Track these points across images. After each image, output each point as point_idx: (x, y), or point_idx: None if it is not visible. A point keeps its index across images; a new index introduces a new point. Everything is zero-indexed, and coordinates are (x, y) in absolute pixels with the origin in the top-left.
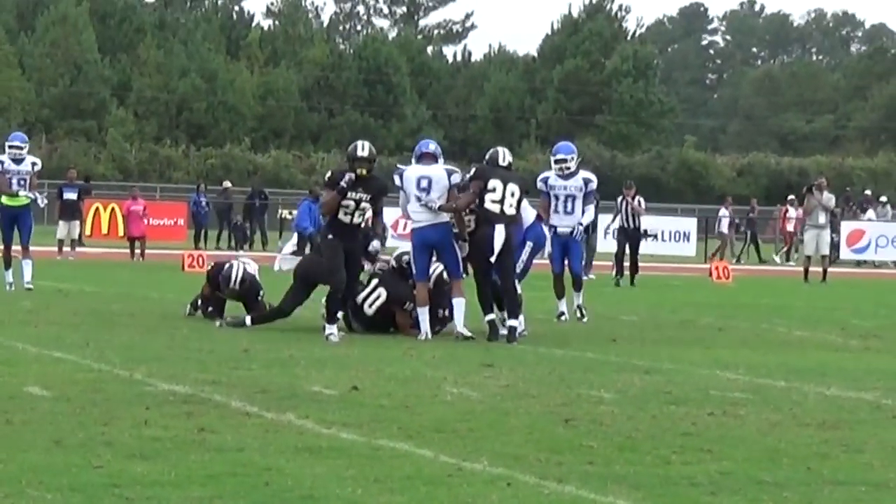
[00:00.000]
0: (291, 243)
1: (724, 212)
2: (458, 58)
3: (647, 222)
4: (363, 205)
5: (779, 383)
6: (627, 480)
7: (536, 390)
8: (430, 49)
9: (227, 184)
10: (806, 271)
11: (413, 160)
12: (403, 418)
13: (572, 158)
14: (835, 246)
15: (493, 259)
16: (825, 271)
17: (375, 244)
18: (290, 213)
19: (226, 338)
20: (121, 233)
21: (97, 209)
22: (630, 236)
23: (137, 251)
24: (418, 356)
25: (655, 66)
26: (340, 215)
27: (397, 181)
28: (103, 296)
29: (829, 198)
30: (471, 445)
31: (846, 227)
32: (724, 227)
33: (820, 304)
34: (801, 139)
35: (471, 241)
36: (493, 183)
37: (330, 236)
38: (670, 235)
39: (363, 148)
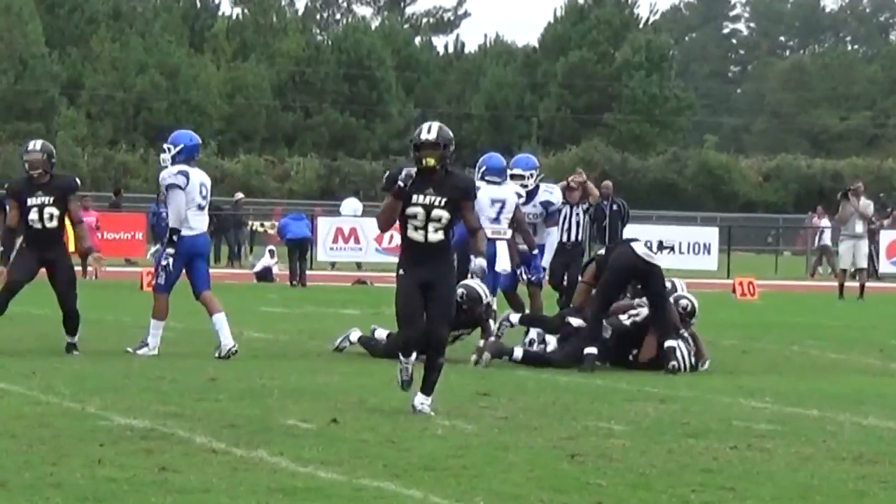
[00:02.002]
0: (265, 259)
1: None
2: (450, 49)
3: (663, 233)
4: (437, 212)
5: (811, 412)
6: None
7: (538, 422)
8: (418, 40)
9: (240, 195)
10: (841, 286)
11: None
12: (389, 455)
13: (531, 175)
14: (873, 258)
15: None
16: (863, 286)
17: (479, 262)
18: (262, 225)
19: (189, 366)
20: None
21: None
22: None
23: (90, 269)
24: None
25: (671, 58)
26: (410, 232)
27: None
28: (52, 319)
29: (866, 204)
30: (465, 484)
31: (886, 236)
32: (827, 240)
33: (857, 324)
34: (835, 139)
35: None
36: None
37: (401, 271)
38: (689, 247)
39: (429, 129)
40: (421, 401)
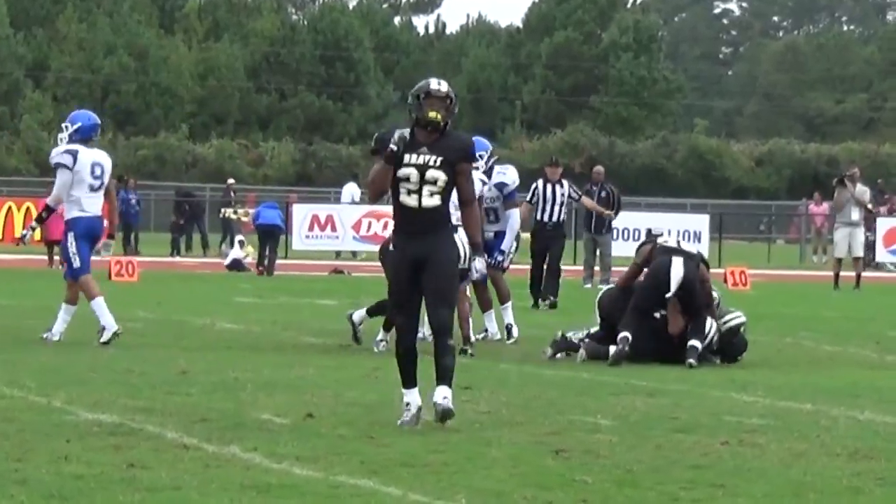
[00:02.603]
0: (234, 251)
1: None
2: (431, 30)
3: (652, 220)
4: (432, 173)
5: (804, 406)
6: None
7: (522, 417)
8: (397, 20)
9: (231, 181)
10: (836, 276)
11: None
12: (367, 450)
13: (480, 157)
14: (870, 247)
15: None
16: (859, 276)
17: (478, 265)
18: (235, 213)
19: (159, 358)
20: (37, 236)
21: (10, 209)
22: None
23: (57, 257)
24: (384, 378)
25: (660, 39)
26: (402, 197)
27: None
28: (17, 310)
29: (862, 190)
30: (445, 481)
31: (883, 224)
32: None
33: (852, 315)
34: (830, 122)
35: None
36: None
37: (391, 247)
38: (679, 235)
39: (439, 81)
40: (443, 394)
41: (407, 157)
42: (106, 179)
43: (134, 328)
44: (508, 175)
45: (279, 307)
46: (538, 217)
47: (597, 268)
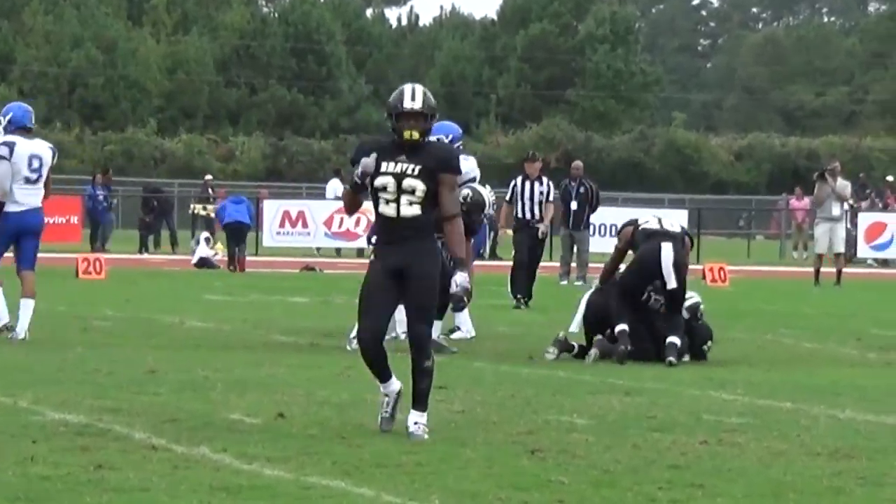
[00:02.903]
0: (200, 248)
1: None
2: (403, 22)
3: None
4: (410, 182)
5: (784, 405)
6: None
7: (497, 416)
8: (369, 12)
9: (209, 177)
10: (817, 272)
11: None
12: (339, 451)
13: (451, 141)
14: (851, 242)
15: None
16: (839, 272)
17: (460, 279)
18: (205, 209)
19: (127, 357)
20: None
21: None
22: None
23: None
24: (356, 377)
25: (637, 31)
26: (381, 207)
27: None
28: None
29: (843, 185)
30: (419, 482)
31: (864, 219)
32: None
33: (833, 311)
34: (811, 116)
35: None
36: None
37: (372, 257)
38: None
39: (413, 96)
40: (414, 420)
41: (384, 166)
42: (44, 172)
43: (102, 327)
44: (467, 164)
45: (249, 305)
46: (519, 215)
47: (573, 264)
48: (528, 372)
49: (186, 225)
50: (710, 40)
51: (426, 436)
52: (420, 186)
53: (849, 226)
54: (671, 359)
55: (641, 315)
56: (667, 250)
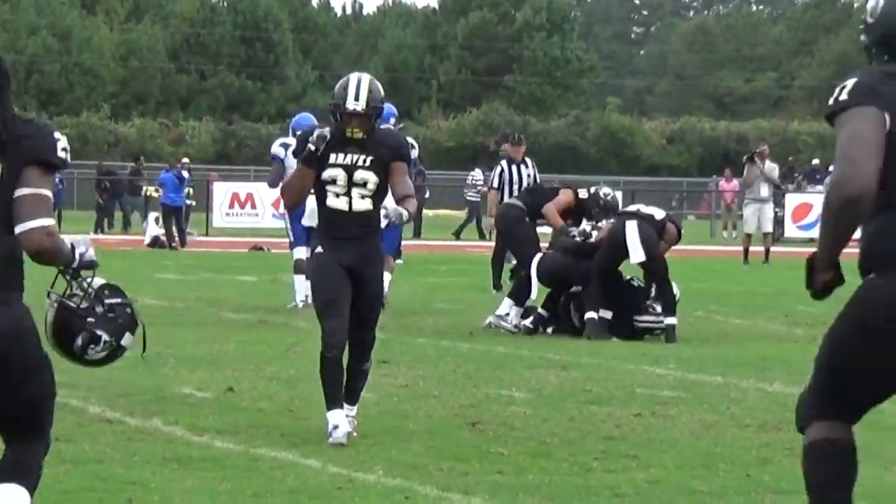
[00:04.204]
0: (151, 228)
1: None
2: (348, 11)
3: None
4: (361, 174)
5: (714, 379)
6: (542, 491)
7: (438, 390)
8: (315, 1)
9: (186, 160)
10: (746, 251)
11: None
12: (287, 424)
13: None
14: (779, 222)
15: None
16: (767, 251)
17: (397, 209)
18: (158, 191)
19: None
20: None
21: None
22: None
23: None
24: (303, 353)
25: (573, 19)
26: (330, 200)
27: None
28: None
29: (771, 167)
30: (364, 454)
31: (791, 200)
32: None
33: (761, 289)
34: (740, 101)
35: None
36: None
37: (318, 248)
38: None
39: (357, 95)
40: (344, 412)
41: (332, 157)
42: None
43: None
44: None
45: (200, 283)
46: (507, 200)
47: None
48: (468, 347)
49: (138, 205)
50: (642, 28)
51: (354, 432)
52: (372, 179)
53: (776, 207)
54: (674, 342)
55: (622, 294)
56: (631, 226)
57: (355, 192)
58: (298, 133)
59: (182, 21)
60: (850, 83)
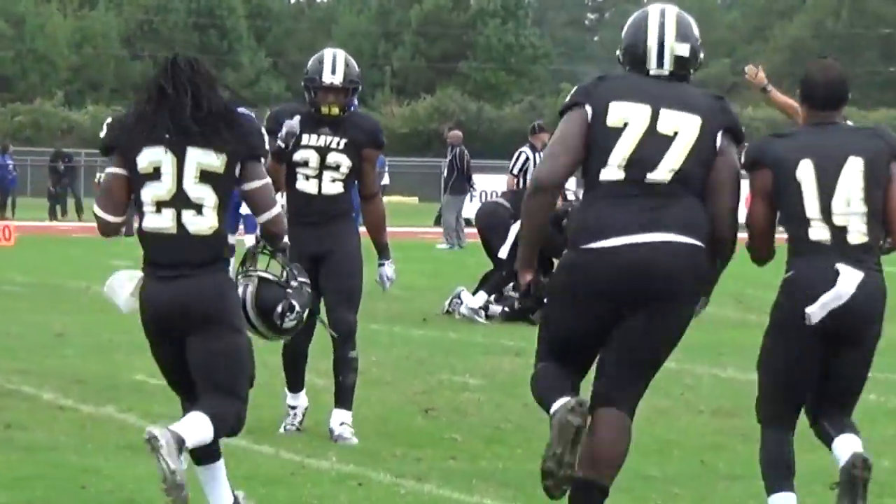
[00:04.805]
0: None
1: None
2: None
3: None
4: (334, 157)
5: (669, 365)
6: (495, 477)
7: (391, 376)
8: None
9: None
10: None
11: None
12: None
13: None
14: None
15: None
16: None
17: (388, 272)
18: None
19: (36, 321)
20: None
21: None
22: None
23: None
24: (257, 339)
25: (527, 6)
26: (300, 183)
27: None
28: None
29: None
30: (316, 440)
31: (745, 185)
32: None
33: None
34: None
35: None
36: None
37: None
38: None
39: (333, 69)
40: (339, 420)
41: (305, 138)
42: None
43: (11, 292)
44: None
45: None
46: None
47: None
48: (421, 333)
49: (92, 193)
50: (597, 14)
51: (355, 439)
52: (346, 162)
53: None
54: None
55: None
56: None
57: (326, 175)
58: (269, 112)
59: (136, 8)
60: (574, 88)
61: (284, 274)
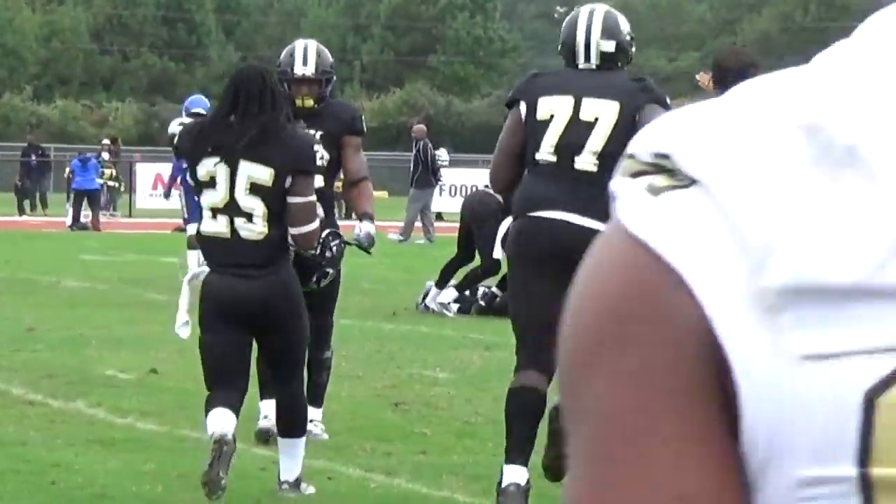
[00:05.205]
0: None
1: None
2: None
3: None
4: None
5: None
6: (466, 471)
7: (362, 370)
8: None
9: (106, 142)
10: None
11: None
12: None
13: None
14: None
15: None
16: None
17: (365, 228)
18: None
19: (6, 315)
20: None
21: None
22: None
23: None
24: None
25: None
26: None
27: None
28: None
29: None
30: None
31: None
32: None
33: None
34: (664, 80)
35: None
36: None
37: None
38: None
39: (305, 60)
40: (310, 417)
41: None
42: None
43: None
44: None
45: (125, 264)
46: None
47: (418, 224)
48: (391, 328)
49: (62, 188)
50: (566, 8)
51: (325, 434)
52: (325, 155)
53: None
54: None
55: None
56: None
57: None
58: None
59: (105, 2)
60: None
61: (318, 248)
